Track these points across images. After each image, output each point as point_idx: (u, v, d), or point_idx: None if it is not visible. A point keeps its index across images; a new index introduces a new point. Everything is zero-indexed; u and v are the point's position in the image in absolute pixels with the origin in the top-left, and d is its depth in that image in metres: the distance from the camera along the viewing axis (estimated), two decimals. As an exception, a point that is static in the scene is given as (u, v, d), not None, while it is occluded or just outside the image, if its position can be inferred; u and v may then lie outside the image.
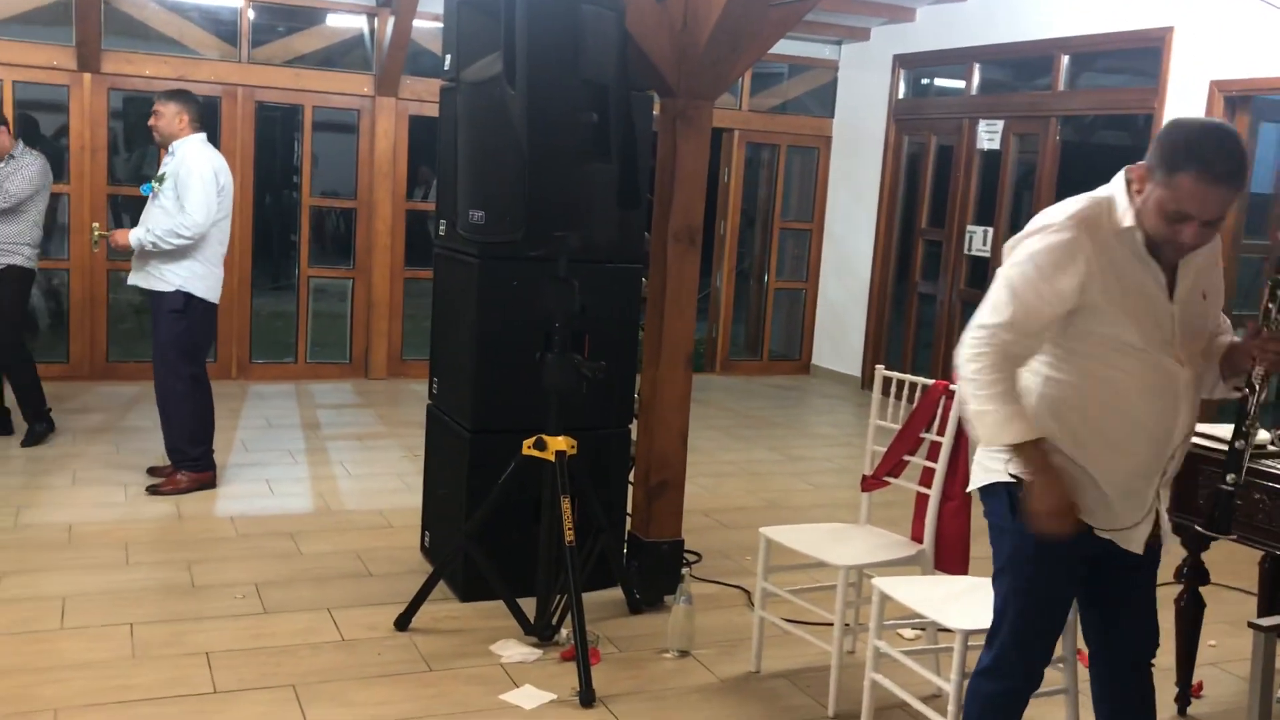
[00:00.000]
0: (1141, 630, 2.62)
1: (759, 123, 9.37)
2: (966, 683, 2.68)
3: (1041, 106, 7.57)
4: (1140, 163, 2.34)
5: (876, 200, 9.03)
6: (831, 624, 3.47)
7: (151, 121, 5.24)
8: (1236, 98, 6.24)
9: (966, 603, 3.05)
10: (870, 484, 3.79)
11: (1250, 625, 2.68)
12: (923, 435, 3.60)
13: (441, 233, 4.37)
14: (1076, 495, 2.39)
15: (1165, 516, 2.54)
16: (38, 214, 5.92)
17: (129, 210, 9.08)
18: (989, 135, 7.98)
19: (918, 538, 3.63)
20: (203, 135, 5.25)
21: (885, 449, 3.71)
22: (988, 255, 7.86)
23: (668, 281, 4.13)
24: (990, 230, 7.93)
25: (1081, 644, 2.80)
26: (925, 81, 9.02)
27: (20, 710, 3.18)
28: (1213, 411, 5.90)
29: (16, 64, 7.27)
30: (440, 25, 7.46)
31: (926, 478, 3.57)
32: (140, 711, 3.23)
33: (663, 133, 4.13)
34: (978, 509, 2.75)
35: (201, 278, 5.17)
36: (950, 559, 3.53)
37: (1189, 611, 3.50)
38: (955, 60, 8.32)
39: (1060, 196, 2.72)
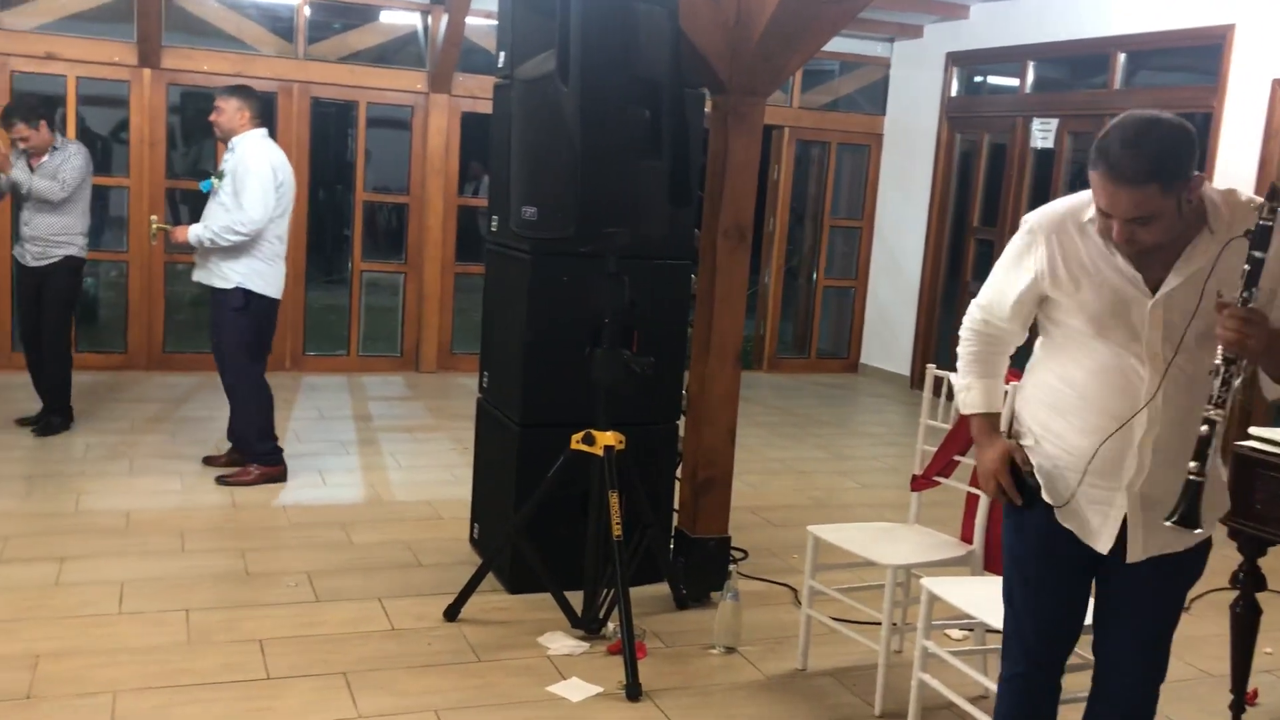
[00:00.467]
0: (1129, 667, 2.45)
1: (809, 120, 9.34)
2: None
3: (1097, 105, 7.47)
4: None
5: (927, 198, 8.96)
6: (879, 623, 3.46)
7: (213, 117, 5.26)
8: (1299, 96, 6.13)
9: (1016, 604, 3.02)
10: (920, 483, 3.77)
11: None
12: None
13: (494, 229, 4.41)
14: (1051, 481, 2.40)
15: (1164, 534, 2.32)
16: (85, 203, 5.99)
17: (187, 203, 9.25)
18: (1043, 134, 7.89)
19: (967, 538, 3.61)
20: (263, 130, 5.27)
21: (935, 449, 3.69)
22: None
23: (717, 278, 4.14)
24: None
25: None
26: (978, 79, 8.94)
27: (80, 691, 3.26)
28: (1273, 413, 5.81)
29: (80, 60, 7.42)
30: (493, 23, 7.52)
31: (976, 478, 3.54)
32: (195, 695, 3.29)
33: (714, 129, 4.13)
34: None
35: (261, 274, 5.20)
36: (1000, 560, 3.50)
37: (1245, 618, 3.45)
38: (1009, 58, 8.23)
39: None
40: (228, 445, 5.60)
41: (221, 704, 3.26)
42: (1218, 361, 2.14)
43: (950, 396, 3.66)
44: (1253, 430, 3.28)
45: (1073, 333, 2.38)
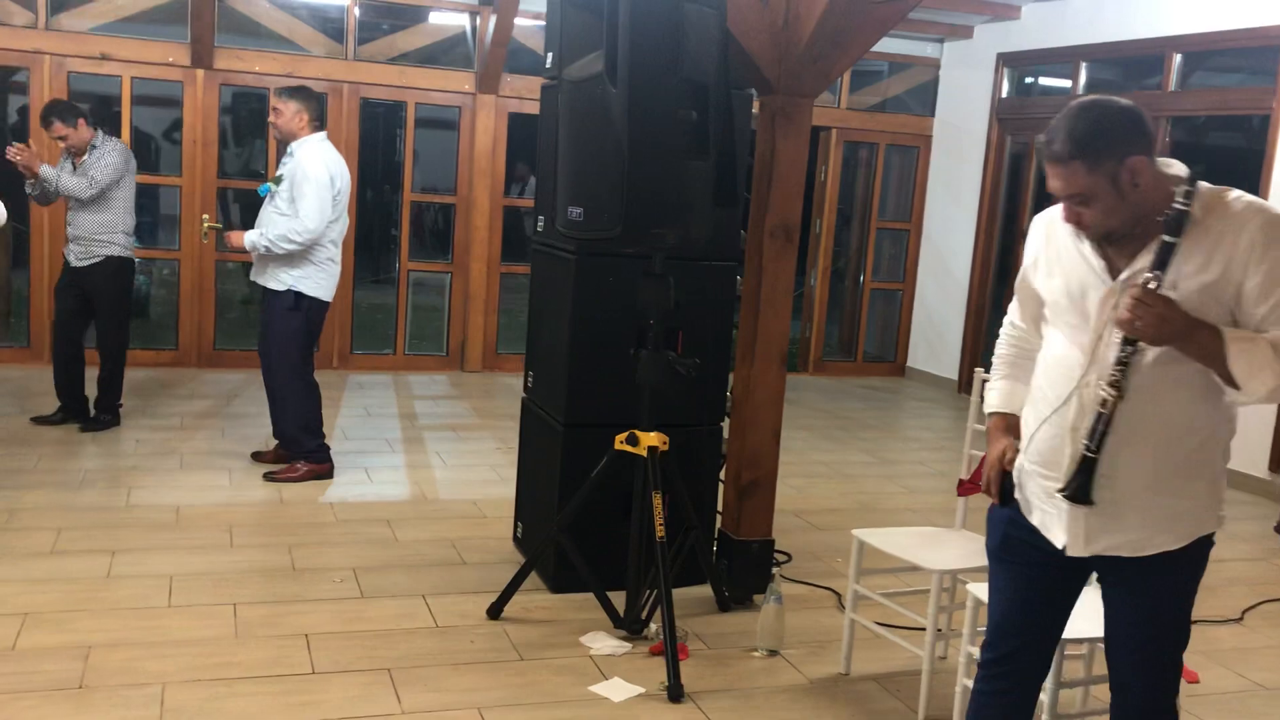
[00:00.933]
0: (1129, 675, 2.39)
1: (857, 121, 9.28)
2: (1060, 692, 2.63)
3: (1151, 107, 7.35)
4: None
5: (976, 201, 8.88)
6: (924, 628, 3.43)
7: (271, 119, 5.22)
8: (1360, 98, 6.00)
9: (1063, 611, 2.99)
10: (967, 488, 3.73)
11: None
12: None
13: (540, 229, 4.42)
14: (1018, 475, 2.44)
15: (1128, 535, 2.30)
16: (126, 201, 5.95)
17: (239, 202, 9.38)
18: (1095, 135, 7.78)
19: (1014, 544, 3.56)
20: (322, 134, 5.23)
21: (982, 454, 3.64)
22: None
23: (763, 279, 4.13)
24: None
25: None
26: (1029, 80, 8.84)
27: (129, 682, 3.31)
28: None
29: (134, 60, 7.54)
30: (541, 23, 7.54)
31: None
32: (242, 689, 3.33)
33: (762, 130, 4.12)
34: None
35: (314, 278, 5.21)
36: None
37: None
38: (1061, 59, 8.13)
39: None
40: (274, 442, 5.66)
41: (267, 697, 3.30)
42: (1117, 340, 2.19)
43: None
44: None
45: (1047, 323, 2.43)
